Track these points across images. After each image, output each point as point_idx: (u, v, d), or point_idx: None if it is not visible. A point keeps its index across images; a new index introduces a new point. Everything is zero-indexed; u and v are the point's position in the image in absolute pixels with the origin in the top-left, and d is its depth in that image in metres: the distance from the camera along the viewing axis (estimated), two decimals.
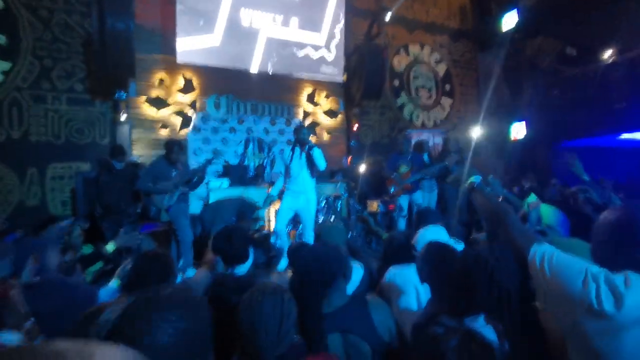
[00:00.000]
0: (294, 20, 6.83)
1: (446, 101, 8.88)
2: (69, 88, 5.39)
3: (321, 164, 4.05)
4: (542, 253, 1.09)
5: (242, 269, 1.94)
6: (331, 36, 7.14)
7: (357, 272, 2.01)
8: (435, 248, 1.64)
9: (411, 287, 1.85)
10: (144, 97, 5.84)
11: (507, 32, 8.25)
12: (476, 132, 5.91)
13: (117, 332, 0.71)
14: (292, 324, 1.22)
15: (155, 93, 5.94)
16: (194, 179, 4.05)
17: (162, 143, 5.64)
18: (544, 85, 8.26)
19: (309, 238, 4.09)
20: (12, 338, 1.42)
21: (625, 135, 7.70)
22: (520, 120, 7.97)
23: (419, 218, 3.06)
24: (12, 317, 1.56)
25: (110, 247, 2.55)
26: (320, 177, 6.79)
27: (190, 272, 3.79)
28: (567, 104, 8.01)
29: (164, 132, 5.94)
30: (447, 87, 8.94)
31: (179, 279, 3.83)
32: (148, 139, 5.84)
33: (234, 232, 1.96)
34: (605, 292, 0.94)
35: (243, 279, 1.83)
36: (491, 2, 9.03)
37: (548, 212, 2.49)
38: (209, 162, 4.12)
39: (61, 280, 1.97)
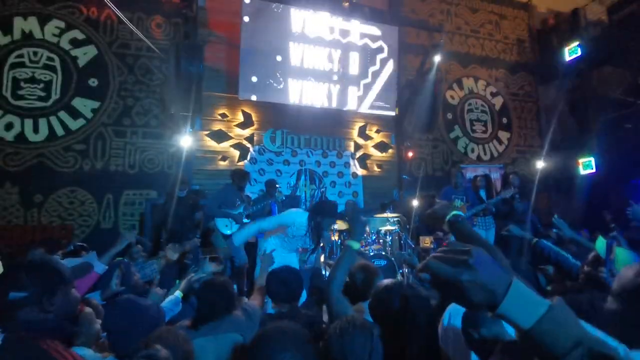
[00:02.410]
0: (352, 57, 7.11)
1: (503, 135, 8.55)
2: (145, 123, 6.01)
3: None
4: None
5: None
6: (385, 72, 7.31)
7: None
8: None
9: None
10: (207, 131, 6.32)
11: (570, 64, 7.89)
12: (539, 167, 5.57)
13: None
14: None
15: (217, 127, 6.41)
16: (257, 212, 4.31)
17: (220, 174, 6.06)
18: (615, 118, 7.66)
19: None
20: (83, 353, 1.55)
21: None
22: (588, 155, 7.41)
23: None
24: (85, 334, 1.72)
25: (172, 255, 2.78)
26: (370, 210, 6.78)
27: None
28: None
29: (222, 164, 6.34)
30: (504, 120, 8.63)
31: None
32: (208, 169, 6.26)
33: (290, 275, 2.01)
34: None
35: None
36: (552, 34, 8.76)
37: (625, 257, 2.24)
38: (278, 202, 4.38)
39: (133, 302, 2.14)
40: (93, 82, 5.82)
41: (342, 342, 1.20)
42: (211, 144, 6.37)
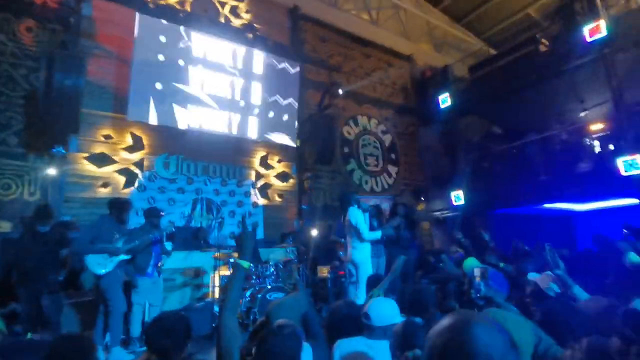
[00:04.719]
0: (255, 87, 7.15)
1: (392, 169, 9.46)
2: (1, 140, 5.00)
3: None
4: None
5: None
6: (287, 104, 7.51)
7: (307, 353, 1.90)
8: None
9: None
10: (85, 154, 5.55)
11: (443, 111, 9.26)
12: (420, 201, 6.24)
13: None
14: None
15: (99, 149, 5.68)
16: (140, 246, 3.79)
17: (100, 202, 5.32)
18: (477, 159, 9.16)
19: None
20: None
21: (548, 205, 8.58)
22: (458, 189, 8.63)
23: (369, 285, 3.07)
24: None
25: None
26: (271, 241, 6.69)
27: (118, 352, 3.35)
28: (497, 176, 8.88)
29: (103, 191, 5.59)
30: (393, 156, 9.59)
31: (101, 358, 3.36)
32: (84, 197, 5.45)
33: (177, 323, 1.79)
34: None
35: None
36: (428, 84, 10.22)
37: (471, 263, 2.58)
38: (170, 235, 3.97)
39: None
40: None
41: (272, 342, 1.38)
42: (90, 168, 5.59)
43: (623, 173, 6.15)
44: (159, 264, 4.20)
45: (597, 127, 8.30)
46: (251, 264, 2.07)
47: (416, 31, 11.06)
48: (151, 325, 1.79)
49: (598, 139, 8.19)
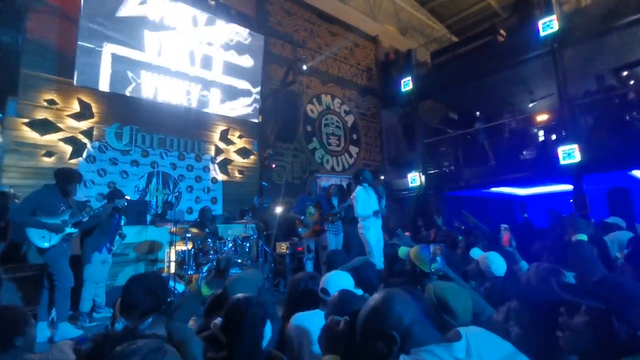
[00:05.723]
0: (216, 58, 6.85)
1: (353, 149, 9.60)
2: None
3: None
4: None
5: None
6: (249, 79, 7.29)
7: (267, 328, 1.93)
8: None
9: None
10: (25, 119, 5.10)
11: (404, 94, 9.46)
12: (379, 180, 6.41)
13: None
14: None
15: (41, 115, 5.23)
16: (89, 221, 3.62)
17: (43, 172, 4.96)
18: (434, 142, 9.53)
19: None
20: None
21: (494, 189, 9.19)
22: (415, 171, 8.97)
23: (329, 260, 3.16)
24: None
25: None
26: (230, 217, 6.62)
27: (65, 327, 3.22)
28: (451, 159, 9.31)
29: (47, 160, 5.20)
30: (355, 136, 9.71)
31: (46, 334, 3.23)
32: (25, 166, 5.04)
33: (158, 285, 1.74)
34: None
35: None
36: (392, 67, 10.34)
37: (403, 250, 2.71)
38: (116, 209, 3.78)
39: None
40: None
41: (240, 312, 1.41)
42: (31, 135, 5.15)
43: (562, 161, 6.71)
44: (112, 246, 4.11)
45: (542, 117, 8.91)
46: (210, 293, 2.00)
47: (382, 12, 11.04)
48: (131, 281, 1.74)
49: (543, 129, 8.81)
